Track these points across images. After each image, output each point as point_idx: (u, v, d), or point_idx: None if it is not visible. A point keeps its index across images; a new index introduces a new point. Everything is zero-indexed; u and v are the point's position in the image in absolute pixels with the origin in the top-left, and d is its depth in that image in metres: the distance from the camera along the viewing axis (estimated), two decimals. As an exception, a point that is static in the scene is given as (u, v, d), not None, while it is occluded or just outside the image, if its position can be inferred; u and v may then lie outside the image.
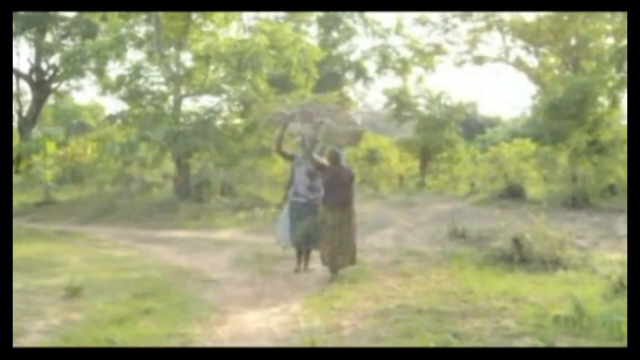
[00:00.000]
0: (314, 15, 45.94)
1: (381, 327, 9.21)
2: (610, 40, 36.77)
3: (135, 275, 13.57)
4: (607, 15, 35.73)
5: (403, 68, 47.61)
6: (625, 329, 7.71)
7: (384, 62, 48.12)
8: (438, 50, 45.42)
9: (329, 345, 8.26)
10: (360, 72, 48.90)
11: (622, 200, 24.67)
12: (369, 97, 48.88)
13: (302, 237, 13.84)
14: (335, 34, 47.20)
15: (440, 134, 37.42)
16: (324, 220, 13.15)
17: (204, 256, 16.84)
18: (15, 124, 40.21)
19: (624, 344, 7.55)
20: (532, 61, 44.36)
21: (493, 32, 43.56)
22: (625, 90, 28.38)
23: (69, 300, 11.05)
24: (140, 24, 29.02)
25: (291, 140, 17.96)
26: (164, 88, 28.57)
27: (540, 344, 7.64)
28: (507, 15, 41.38)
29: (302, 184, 14.01)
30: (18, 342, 8.58)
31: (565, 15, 38.01)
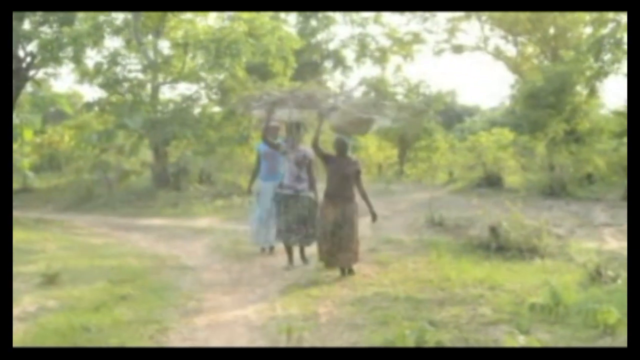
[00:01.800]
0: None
1: (358, 315, 9.22)
2: (588, 30, 36.88)
3: (112, 262, 13.53)
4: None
5: (381, 57, 47.61)
6: (600, 317, 7.77)
7: (363, 51, 48.09)
8: (417, 39, 45.48)
9: (306, 332, 8.26)
10: (338, 61, 48.88)
11: (599, 189, 24.92)
12: (348, 86, 48.40)
13: (286, 232, 12.90)
14: (313, 23, 47.09)
15: (419, 123, 37.45)
16: (323, 215, 12.13)
17: (182, 244, 16.82)
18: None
19: (598, 331, 7.63)
20: (511, 50, 44.56)
21: (472, 21, 43.62)
22: (603, 80, 28.69)
23: (46, 288, 11.02)
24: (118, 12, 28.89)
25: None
26: (141, 76, 28.58)
27: (516, 331, 7.66)
28: (485, 5, 41.43)
29: (289, 175, 13.01)
30: (-7, 328, 8.57)
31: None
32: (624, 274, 10.21)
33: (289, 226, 12.89)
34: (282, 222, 12.96)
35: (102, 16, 27.58)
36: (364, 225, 13.31)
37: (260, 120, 13.80)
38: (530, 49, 43.30)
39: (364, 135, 24.06)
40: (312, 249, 13.12)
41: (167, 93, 30.17)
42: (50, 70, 31.69)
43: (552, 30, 39.46)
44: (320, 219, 12.28)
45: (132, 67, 28.53)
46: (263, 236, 14.46)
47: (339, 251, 12.02)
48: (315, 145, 12.28)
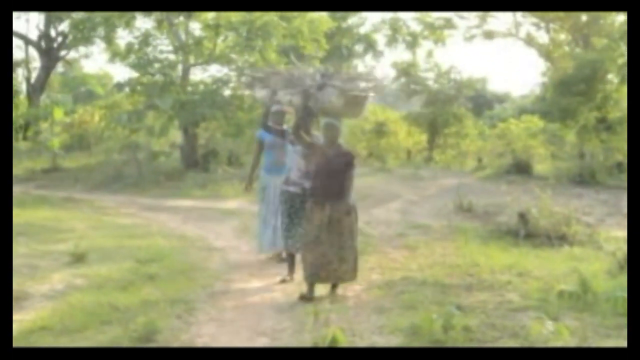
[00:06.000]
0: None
1: (385, 298, 9.22)
2: (621, 17, 36.55)
3: (140, 242, 13.57)
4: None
5: (413, 42, 47.39)
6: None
7: (394, 36, 47.88)
8: (448, 24, 45.14)
9: (333, 315, 8.26)
10: (369, 45, 48.73)
11: (629, 178, 24.68)
12: (379, 70, 48.22)
13: (291, 237, 10.67)
14: (345, 7, 46.91)
15: (448, 109, 37.36)
16: (309, 219, 9.66)
17: (210, 225, 16.87)
18: (24, 91, 40.34)
19: (626, 319, 7.58)
20: (543, 37, 44.16)
21: (503, 8, 43.30)
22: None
23: (74, 266, 11.11)
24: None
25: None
26: (172, 57, 28.58)
27: (544, 317, 7.63)
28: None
29: (295, 169, 10.78)
30: (22, 305, 8.72)
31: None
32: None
33: (295, 230, 10.62)
34: (287, 225, 10.80)
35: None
36: (392, 209, 13.24)
37: (263, 102, 11.91)
38: (562, 36, 42.90)
39: (357, 118, 21.63)
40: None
41: (198, 74, 30.11)
42: (81, 50, 31.86)
43: (584, 18, 39.11)
44: (305, 225, 9.87)
45: (163, 48, 28.57)
46: (269, 240, 11.92)
47: (329, 262, 9.47)
48: (296, 131, 9.90)
